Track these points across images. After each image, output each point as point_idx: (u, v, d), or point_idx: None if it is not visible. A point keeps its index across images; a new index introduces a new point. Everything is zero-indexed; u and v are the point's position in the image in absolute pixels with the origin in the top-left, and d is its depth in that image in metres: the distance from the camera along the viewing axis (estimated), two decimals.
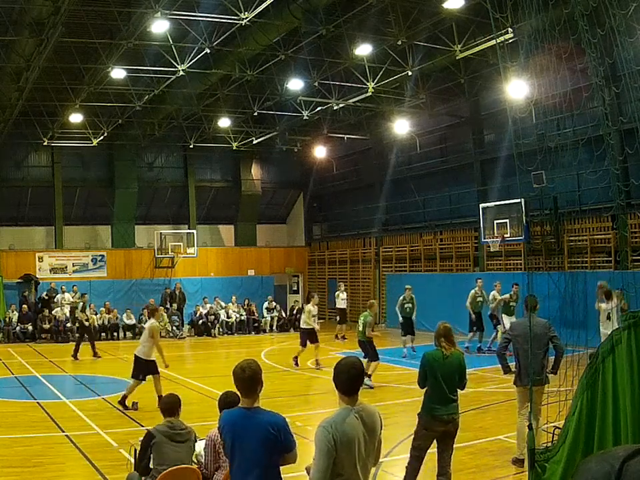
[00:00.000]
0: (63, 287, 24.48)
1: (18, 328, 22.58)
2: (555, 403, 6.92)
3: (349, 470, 3.87)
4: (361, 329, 13.58)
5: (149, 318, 12.40)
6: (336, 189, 30.57)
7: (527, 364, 7.48)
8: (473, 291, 18.03)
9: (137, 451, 5.98)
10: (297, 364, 16.19)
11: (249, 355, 18.13)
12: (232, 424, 4.24)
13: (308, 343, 16.12)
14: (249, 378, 4.22)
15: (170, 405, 6.00)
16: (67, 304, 23.71)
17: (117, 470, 7.41)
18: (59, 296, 24.05)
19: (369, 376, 12.73)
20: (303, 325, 16.63)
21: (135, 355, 11.71)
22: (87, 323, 18.93)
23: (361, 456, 3.91)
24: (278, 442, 4.11)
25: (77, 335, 19.01)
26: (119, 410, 11.33)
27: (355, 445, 3.87)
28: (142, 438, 5.89)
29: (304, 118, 22.40)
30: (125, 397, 11.44)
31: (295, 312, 26.98)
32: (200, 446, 5.95)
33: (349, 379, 3.99)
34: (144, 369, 11.46)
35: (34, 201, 26.41)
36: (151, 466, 5.72)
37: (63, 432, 9.78)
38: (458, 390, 6.65)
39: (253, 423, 4.15)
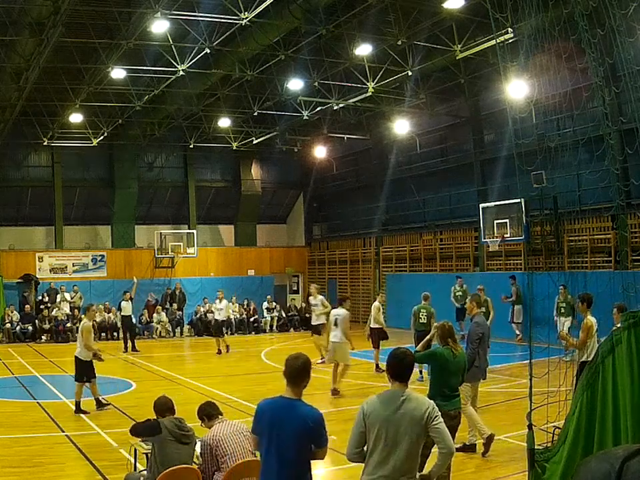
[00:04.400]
0: (63, 286, 24.50)
1: (18, 328, 22.59)
2: (555, 403, 6.92)
3: (379, 449, 4.16)
4: (424, 320, 13.56)
5: (83, 316, 12.12)
6: (336, 189, 30.57)
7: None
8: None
9: (141, 423, 6.04)
10: (379, 369, 14.65)
11: (248, 354, 18.19)
12: (272, 412, 4.34)
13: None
14: (300, 367, 4.33)
15: (167, 405, 5.99)
16: (68, 301, 23.72)
17: (117, 470, 7.41)
18: (58, 296, 24.06)
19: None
20: (373, 325, 15.27)
21: (75, 356, 11.47)
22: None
23: (393, 439, 4.14)
24: (313, 435, 4.25)
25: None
26: (119, 410, 11.33)
27: (387, 426, 4.16)
28: (148, 421, 5.88)
29: (304, 118, 22.40)
30: (78, 404, 11.18)
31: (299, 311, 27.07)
32: (197, 447, 5.94)
33: (402, 367, 4.39)
34: (85, 369, 11.24)
35: (34, 201, 26.42)
36: (151, 465, 5.71)
37: (63, 432, 9.78)
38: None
39: (293, 413, 4.25)
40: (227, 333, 24.85)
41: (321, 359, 15.78)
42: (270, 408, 4.37)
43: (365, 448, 4.28)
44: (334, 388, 12.70)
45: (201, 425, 6.00)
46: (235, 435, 5.56)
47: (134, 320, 23.32)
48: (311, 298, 17.24)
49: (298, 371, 4.33)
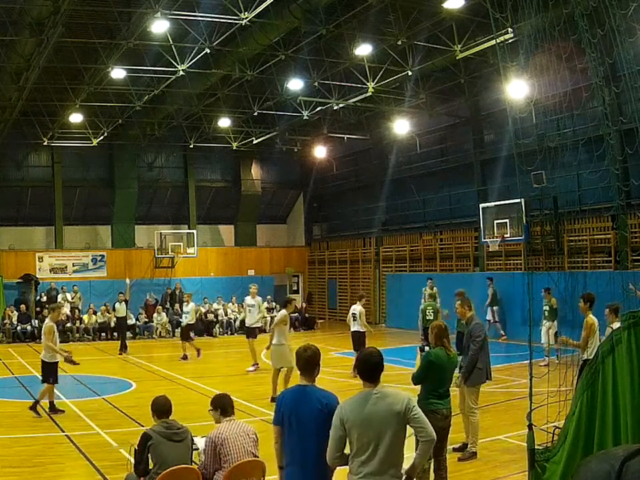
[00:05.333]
0: (64, 287, 24.51)
1: (18, 328, 22.59)
2: (555, 403, 6.92)
3: (363, 448, 4.16)
4: (430, 317, 14.70)
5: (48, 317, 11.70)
6: (336, 189, 30.58)
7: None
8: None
9: (135, 452, 5.93)
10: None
11: (248, 354, 18.14)
12: (291, 399, 4.71)
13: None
14: (308, 358, 4.71)
15: (165, 407, 5.94)
16: (68, 302, 23.72)
17: (117, 470, 7.41)
18: (60, 296, 24.05)
19: None
20: (358, 328, 14.67)
21: (41, 358, 11.22)
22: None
23: (376, 436, 4.16)
24: (327, 415, 4.46)
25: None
26: (119, 410, 11.33)
27: (367, 425, 4.18)
28: (138, 440, 5.82)
29: (304, 118, 22.41)
30: (51, 404, 11.08)
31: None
32: (201, 444, 5.91)
33: (369, 368, 4.40)
34: (51, 371, 11.02)
35: (34, 201, 26.43)
36: (150, 467, 5.68)
37: (63, 432, 9.79)
38: None
39: (307, 396, 4.64)
40: (226, 333, 24.94)
41: (253, 365, 15.74)
42: (288, 396, 4.77)
43: (347, 450, 4.28)
44: (272, 397, 11.64)
45: (209, 411, 5.91)
46: (239, 435, 5.54)
47: (133, 320, 23.38)
48: (248, 298, 16.73)
49: (307, 361, 4.70)
